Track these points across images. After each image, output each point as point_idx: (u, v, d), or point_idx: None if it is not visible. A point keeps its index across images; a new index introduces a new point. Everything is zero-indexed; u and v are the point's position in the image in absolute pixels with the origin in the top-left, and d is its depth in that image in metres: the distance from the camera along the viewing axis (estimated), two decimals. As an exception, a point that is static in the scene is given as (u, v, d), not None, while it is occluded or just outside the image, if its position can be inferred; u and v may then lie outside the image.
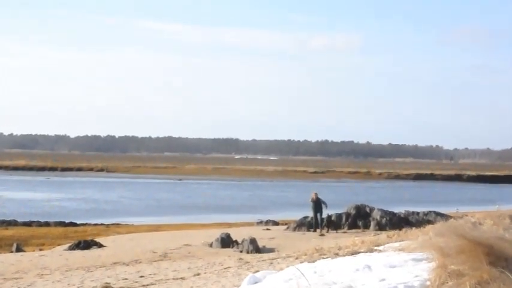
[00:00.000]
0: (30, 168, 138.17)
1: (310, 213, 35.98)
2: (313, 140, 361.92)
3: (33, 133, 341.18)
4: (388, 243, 18.04)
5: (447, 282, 9.82)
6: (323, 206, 35.41)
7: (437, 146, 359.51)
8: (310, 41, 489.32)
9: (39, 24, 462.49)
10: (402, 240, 17.97)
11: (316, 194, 36.13)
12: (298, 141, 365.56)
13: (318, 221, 35.49)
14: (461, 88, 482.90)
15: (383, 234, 24.66)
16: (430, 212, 39.99)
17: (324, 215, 36.37)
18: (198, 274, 18.41)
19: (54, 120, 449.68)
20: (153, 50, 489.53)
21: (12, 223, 45.32)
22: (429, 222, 31.11)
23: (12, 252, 30.04)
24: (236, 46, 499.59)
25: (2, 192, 76.37)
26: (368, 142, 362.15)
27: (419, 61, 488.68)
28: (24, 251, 30.30)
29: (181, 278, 17.75)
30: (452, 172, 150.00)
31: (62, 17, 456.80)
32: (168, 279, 17.66)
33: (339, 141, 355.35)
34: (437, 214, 39.04)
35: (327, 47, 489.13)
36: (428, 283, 10.31)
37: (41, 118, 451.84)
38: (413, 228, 24.35)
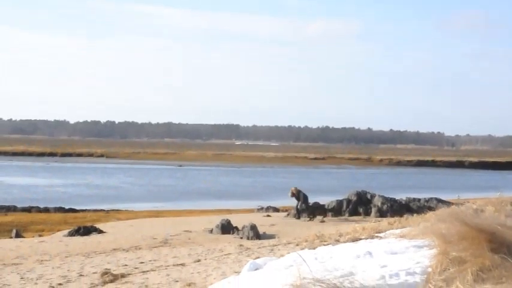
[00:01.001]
0: (30, 154, 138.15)
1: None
2: (314, 126, 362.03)
3: (33, 118, 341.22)
4: (389, 229, 17.97)
5: (448, 269, 9.73)
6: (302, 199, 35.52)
7: (438, 132, 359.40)
8: (307, 27, 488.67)
9: (34, 11, 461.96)
10: (403, 227, 17.90)
11: (295, 188, 36.30)
12: (299, 127, 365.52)
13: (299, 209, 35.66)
14: (462, 75, 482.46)
15: (384, 221, 24.57)
16: (432, 198, 39.96)
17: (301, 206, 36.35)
18: (199, 260, 18.33)
19: (54, 106, 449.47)
20: (152, 35, 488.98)
21: (12, 209, 45.25)
22: (430, 208, 31.03)
23: (11, 238, 29.99)
24: (234, 32, 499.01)
25: (1, 177, 76.35)
26: (369, 128, 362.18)
27: (420, 48, 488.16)
28: (24, 237, 30.25)
29: (182, 264, 17.67)
30: (453, 159, 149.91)
31: (59, 5, 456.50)
32: (168, 266, 17.58)
33: (340, 127, 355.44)
34: (439, 201, 39.00)
35: (325, 33, 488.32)
36: (429, 270, 10.22)
37: (41, 103, 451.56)
38: (415, 214, 24.26)
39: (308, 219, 34.62)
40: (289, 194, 36.08)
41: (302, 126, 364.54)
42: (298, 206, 35.48)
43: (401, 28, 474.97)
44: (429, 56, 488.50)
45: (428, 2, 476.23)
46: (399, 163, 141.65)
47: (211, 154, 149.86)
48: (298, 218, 35.09)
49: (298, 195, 35.47)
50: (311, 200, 36.38)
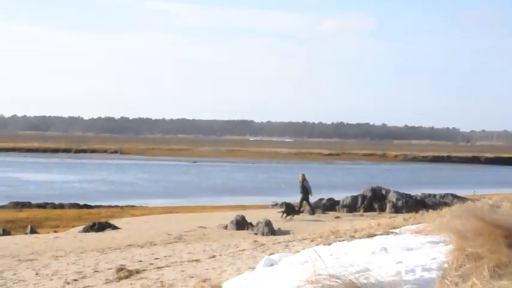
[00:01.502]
0: (44, 150, 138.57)
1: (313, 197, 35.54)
2: (328, 122, 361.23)
3: (47, 115, 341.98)
4: (404, 225, 17.89)
5: (465, 265, 9.66)
6: (308, 189, 34.70)
7: (453, 128, 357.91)
8: (321, 23, 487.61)
9: (51, 6, 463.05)
10: (419, 223, 17.83)
11: (303, 175, 35.47)
12: (313, 123, 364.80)
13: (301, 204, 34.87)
14: (478, 70, 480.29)
15: (399, 217, 24.49)
16: (447, 194, 39.78)
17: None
18: (213, 256, 18.31)
19: (68, 102, 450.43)
20: (163, 31, 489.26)
21: (27, 205, 45.38)
22: (446, 204, 30.87)
23: (26, 234, 30.07)
24: (247, 27, 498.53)
25: (16, 174, 76.64)
26: (384, 124, 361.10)
27: (435, 43, 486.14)
28: (39, 233, 30.33)
29: (196, 260, 17.66)
30: (469, 154, 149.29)
31: (72, 3, 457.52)
32: (183, 262, 17.57)
33: (354, 123, 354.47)
34: (454, 196, 38.82)
35: (339, 29, 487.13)
36: (445, 265, 10.16)
37: (55, 100, 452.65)
38: (430, 210, 24.17)
39: (287, 218, 32.88)
40: (300, 178, 35.30)
41: (316, 122, 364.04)
42: (309, 199, 34.81)
43: (416, 23, 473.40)
44: (444, 51, 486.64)
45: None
46: (414, 159, 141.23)
47: (225, 150, 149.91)
48: (313, 213, 34.59)
49: (303, 183, 34.63)
50: (326, 196, 36.24)
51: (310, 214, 34.35)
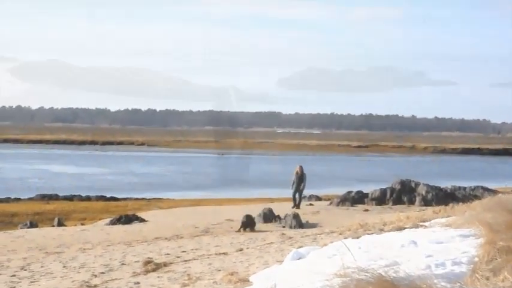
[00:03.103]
0: (71, 142, 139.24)
1: (343, 189, 34.69)
2: (357, 114, 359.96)
3: (74, 107, 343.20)
4: (434, 218, 17.66)
5: (496, 259, 9.47)
6: (304, 181, 33.86)
7: (484, 119, 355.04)
8: (351, 13, 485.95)
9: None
10: (449, 216, 17.60)
11: (301, 167, 34.66)
12: (342, 114, 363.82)
13: (296, 197, 34.05)
14: (508, 60, 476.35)
15: (429, 210, 24.23)
16: (477, 187, 39.34)
17: (304, 192, 34.92)
18: (241, 249, 18.19)
19: (95, 94, 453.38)
20: (196, 21, 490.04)
21: (54, 197, 45.60)
22: (476, 197, 30.52)
23: (53, 226, 30.15)
24: (277, 18, 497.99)
25: (43, 166, 77.08)
26: (413, 116, 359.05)
27: (463, 33, 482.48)
28: (66, 226, 30.40)
29: (224, 254, 17.55)
30: (500, 146, 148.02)
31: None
32: (210, 255, 17.47)
33: (383, 114, 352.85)
34: (485, 189, 38.39)
35: (368, 19, 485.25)
36: (476, 259, 9.97)
37: (82, 91, 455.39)
38: (460, 203, 23.88)
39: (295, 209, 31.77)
40: (294, 172, 34.41)
41: (345, 114, 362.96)
42: (302, 187, 33.80)
43: (444, 13, 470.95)
44: (472, 41, 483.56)
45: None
46: (444, 151, 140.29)
47: (252, 142, 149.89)
48: (294, 207, 33.18)
49: (302, 176, 33.83)
50: (355, 188, 35.95)
51: (294, 208, 32.92)
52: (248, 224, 25.77)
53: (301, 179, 33.86)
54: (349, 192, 37.61)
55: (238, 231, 25.05)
